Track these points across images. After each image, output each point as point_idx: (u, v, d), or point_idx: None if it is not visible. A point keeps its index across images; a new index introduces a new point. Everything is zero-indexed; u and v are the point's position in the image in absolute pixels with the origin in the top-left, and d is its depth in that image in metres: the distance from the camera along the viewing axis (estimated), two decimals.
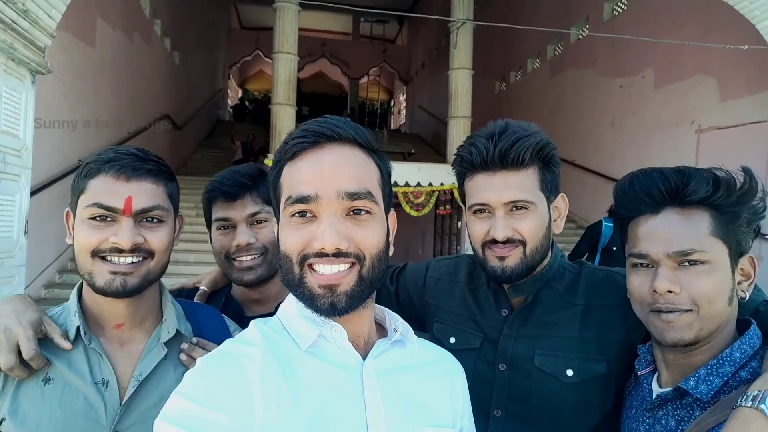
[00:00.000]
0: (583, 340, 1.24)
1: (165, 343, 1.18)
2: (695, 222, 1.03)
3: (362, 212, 0.87)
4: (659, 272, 1.03)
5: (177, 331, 1.21)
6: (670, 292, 1.02)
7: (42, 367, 1.06)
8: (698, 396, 1.00)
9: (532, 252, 1.22)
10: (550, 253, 1.32)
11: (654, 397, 1.10)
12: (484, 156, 1.20)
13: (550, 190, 1.26)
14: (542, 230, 1.23)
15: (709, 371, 1.02)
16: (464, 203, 1.33)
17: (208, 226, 1.60)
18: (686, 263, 1.02)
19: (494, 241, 1.22)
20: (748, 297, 1.06)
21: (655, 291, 1.04)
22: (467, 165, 1.25)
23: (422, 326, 1.52)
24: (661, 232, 1.05)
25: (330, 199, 0.85)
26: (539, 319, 1.29)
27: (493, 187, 1.20)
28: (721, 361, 1.02)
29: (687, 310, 1.01)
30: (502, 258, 1.22)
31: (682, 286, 1.01)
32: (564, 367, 1.23)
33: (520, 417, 1.25)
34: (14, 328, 1.06)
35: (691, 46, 7.25)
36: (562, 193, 1.32)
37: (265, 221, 1.52)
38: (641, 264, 1.08)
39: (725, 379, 1.00)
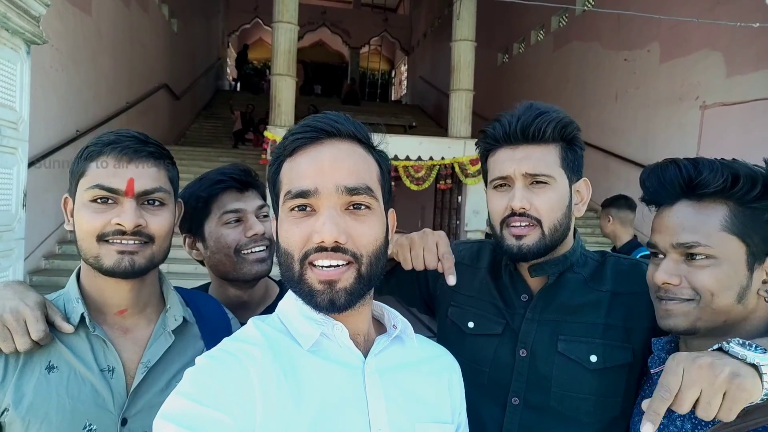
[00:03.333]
0: (608, 326, 1.22)
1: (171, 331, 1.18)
2: (707, 216, 1.01)
3: (362, 207, 0.87)
4: (662, 264, 1.04)
5: (183, 318, 1.21)
6: (667, 283, 1.02)
7: (48, 342, 1.07)
8: None
9: (551, 230, 1.21)
10: (573, 238, 1.31)
11: None
12: (506, 129, 1.23)
13: (572, 170, 1.25)
14: (561, 208, 1.22)
15: None
16: (486, 183, 1.34)
17: (196, 228, 1.52)
18: (691, 256, 1.01)
19: (512, 215, 1.22)
20: None
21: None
22: (491, 140, 1.28)
23: (429, 306, 1.51)
24: (671, 223, 1.04)
25: (329, 193, 0.85)
26: (563, 304, 1.26)
27: (513, 159, 1.22)
28: None
29: (687, 300, 1.01)
30: (519, 237, 1.22)
31: (684, 277, 1.01)
32: (588, 353, 1.20)
33: (539, 407, 1.22)
34: (21, 308, 1.05)
35: (698, 20, 7.12)
36: (586, 178, 1.30)
37: (268, 217, 1.52)
38: (655, 254, 1.09)
39: None
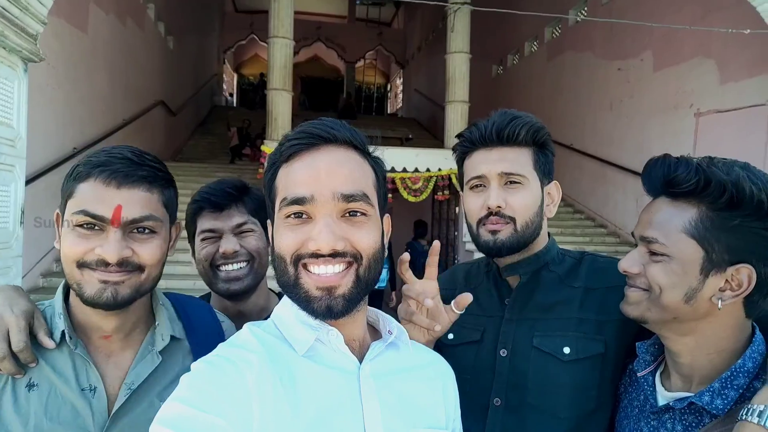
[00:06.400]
0: (581, 320, 1.27)
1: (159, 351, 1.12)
2: (672, 215, 1.02)
3: (358, 214, 0.87)
4: (629, 253, 1.11)
5: (172, 336, 1.15)
6: (626, 271, 1.09)
7: (30, 362, 1.01)
8: (714, 412, 0.97)
9: (523, 227, 1.27)
10: (547, 238, 1.37)
11: (661, 403, 1.08)
12: (482, 133, 1.30)
13: (544, 173, 1.33)
14: (534, 207, 1.29)
15: (724, 384, 0.98)
16: (462, 187, 1.39)
17: (191, 240, 1.58)
18: (653, 252, 1.05)
19: (488, 215, 1.28)
20: (720, 306, 0.98)
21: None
22: (467, 143, 1.34)
23: None
24: (644, 217, 1.09)
25: (325, 200, 0.85)
26: (539, 302, 1.31)
27: (489, 160, 1.29)
28: (735, 373, 0.98)
29: (644, 290, 1.06)
30: (494, 232, 1.28)
31: (644, 268, 1.06)
32: (561, 345, 1.25)
33: (518, 405, 1.25)
34: (6, 316, 1.02)
35: (690, 27, 7.19)
36: (556, 181, 1.38)
37: (251, 231, 1.52)
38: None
39: (740, 391, 0.97)
